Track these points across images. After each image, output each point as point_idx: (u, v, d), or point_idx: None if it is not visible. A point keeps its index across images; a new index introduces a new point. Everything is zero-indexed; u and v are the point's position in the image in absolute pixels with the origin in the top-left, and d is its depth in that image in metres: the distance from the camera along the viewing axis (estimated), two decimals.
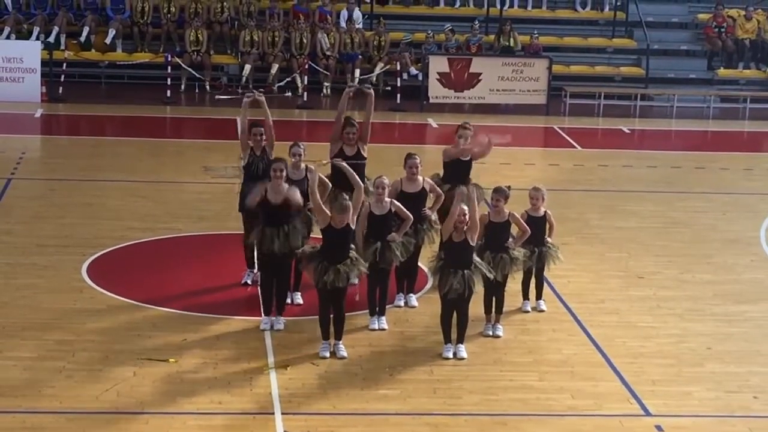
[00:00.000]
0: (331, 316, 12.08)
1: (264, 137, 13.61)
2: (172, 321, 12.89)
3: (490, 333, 12.99)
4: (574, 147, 23.43)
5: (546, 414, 11.04)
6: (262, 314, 12.92)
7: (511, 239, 12.97)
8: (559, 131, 24.83)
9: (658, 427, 10.86)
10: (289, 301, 13.26)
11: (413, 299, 13.61)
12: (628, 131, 25.55)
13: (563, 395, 11.43)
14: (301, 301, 13.44)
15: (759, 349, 12.86)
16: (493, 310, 13.00)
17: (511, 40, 27.78)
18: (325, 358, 11.98)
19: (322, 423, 10.64)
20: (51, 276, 14.16)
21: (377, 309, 13.03)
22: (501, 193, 12.89)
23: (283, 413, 10.74)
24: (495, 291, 12.91)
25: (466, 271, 12.10)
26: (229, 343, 12.34)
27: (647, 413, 11.15)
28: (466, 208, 12.07)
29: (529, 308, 13.60)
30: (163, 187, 18.69)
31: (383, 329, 12.94)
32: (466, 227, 12.08)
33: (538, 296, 13.70)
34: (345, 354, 12.05)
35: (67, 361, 11.65)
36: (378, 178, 12.98)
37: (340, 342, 12.12)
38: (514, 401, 11.24)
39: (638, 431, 10.84)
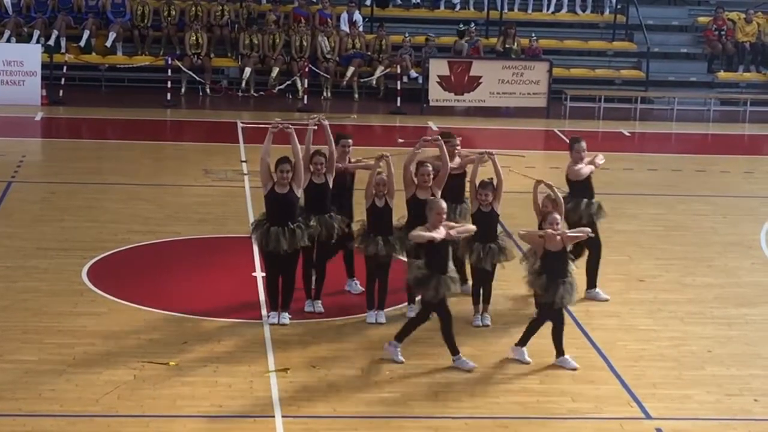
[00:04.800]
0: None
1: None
2: (173, 324, 12.89)
3: (480, 323, 13.09)
4: None
5: (547, 417, 11.03)
6: (268, 310, 13.02)
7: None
8: (560, 134, 24.82)
9: (659, 430, 10.85)
10: (311, 309, 13.30)
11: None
12: (628, 134, 25.55)
13: (564, 398, 11.42)
14: (321, 309, 13.34)
15: (760, 352, 12.85)
16: (481, 300, 13.10)
17: (515, 43, 27.80)
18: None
19: (323, 426, 10.63)
20: (51, 279, 14.16)
21: (376, 303, 13.08)
22: (488, 187, 13.01)
23: (283, 416, 10.74)
24: (483, 281, 13.00)
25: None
26: (229, 346, 12.33)
27: (648, 416, 11.13)
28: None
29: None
30: (163, 190, 18.69)
31: (381, 323, 12.99)
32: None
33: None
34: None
35: (67, 365, 11.65)
36: (378, 175, 13.02)
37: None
38: (514, 404, 11.23)
39: None
